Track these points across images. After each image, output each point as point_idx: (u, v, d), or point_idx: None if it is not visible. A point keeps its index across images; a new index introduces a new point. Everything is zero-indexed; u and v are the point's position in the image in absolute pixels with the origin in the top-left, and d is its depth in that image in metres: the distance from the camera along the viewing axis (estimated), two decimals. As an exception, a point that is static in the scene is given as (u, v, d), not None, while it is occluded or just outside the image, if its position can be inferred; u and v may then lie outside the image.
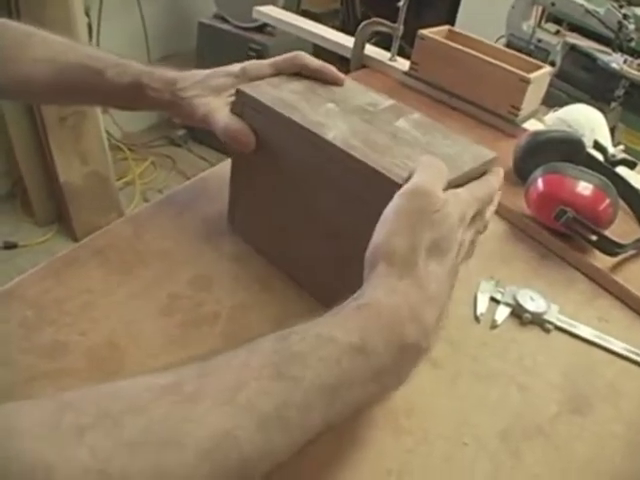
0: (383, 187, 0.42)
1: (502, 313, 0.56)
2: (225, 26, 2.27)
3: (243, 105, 0.52)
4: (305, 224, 0.52)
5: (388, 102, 0.54)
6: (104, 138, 1.86)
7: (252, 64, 0.57)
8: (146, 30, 2.21)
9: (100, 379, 0.44)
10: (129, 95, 0.57)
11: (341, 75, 0.56)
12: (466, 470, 0.43)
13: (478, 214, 0.44)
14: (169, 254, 0.56)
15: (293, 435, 0.31)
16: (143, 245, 0.56)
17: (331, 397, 0.31)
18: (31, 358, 0.44)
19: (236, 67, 0.57)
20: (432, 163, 0.42)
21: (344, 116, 0.50)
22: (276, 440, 0.30)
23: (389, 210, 0.39)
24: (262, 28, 2.22)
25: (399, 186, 0.41)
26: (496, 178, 0.47)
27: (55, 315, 0.48)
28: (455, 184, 0.44)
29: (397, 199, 0.39)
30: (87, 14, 1.83)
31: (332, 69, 0.56)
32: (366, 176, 0.44)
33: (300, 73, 0.56)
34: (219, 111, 0.53)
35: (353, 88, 0.56)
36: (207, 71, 0.57)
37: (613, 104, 1.71)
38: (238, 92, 0.52)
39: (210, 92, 0.56)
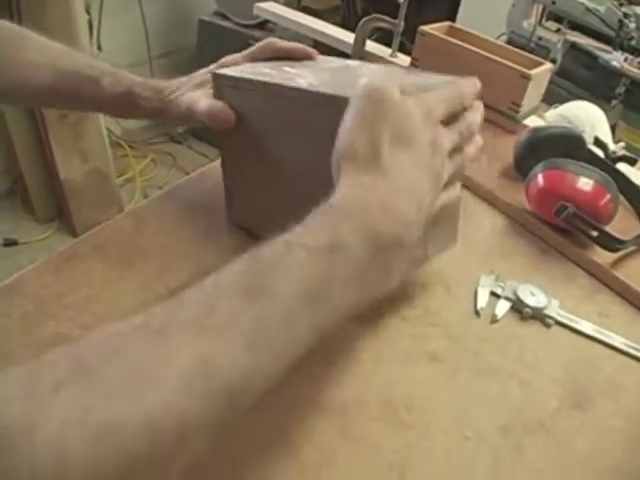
0: None
1: (502, 308, 0.56)
2: (225, 23, 2.27)
3: (220, 88, 0.53)
4: (295, 194, 0.52)
5: (365, 63, 0.56)
6: (104, 135, 1.86)
7: (228, 58, 0.58)
8: (146, 27, 2.21)
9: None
10: (122, 104, 0.58)
11: (313, 50, 0.59)
12: (467, 464, 0.43)
13: (453, 117, 0.43)
14: (170, 249, 0.56)
15: (279, 350, 0.29)
16: (143, 240, 0.56)
17: (312, 304, 0.30)
18: (32, 352, 0.44)
19: (214, 65, 0.59)
20: (384, 73, 0.43)
21: (315, 73, 0.52)
22: (262, 358, 0.29)
23: (347, 114, 0.39)
24: (263, 25, 2.22)
25: None
26: (466, 81, 0.46)
27: (56, 309, 0.48)
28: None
29: (353, 102, 0.39)
30: (88, 12, 1.83)
31: (303, 46, 0.58)
32: (336, 109, 0.43)
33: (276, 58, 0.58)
34: (201, 100, 0.55)
35: (327, 59, 0.59)
36: (191, 74, 0.60)
37: (614, 102, 1.71)
38: (213, 76, 0.53)
39: (193, 89, 0.57)
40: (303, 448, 0.41)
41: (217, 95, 0.54)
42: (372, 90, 0.39)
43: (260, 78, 0.50)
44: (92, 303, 0.49)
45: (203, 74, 0.59)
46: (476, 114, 0.45)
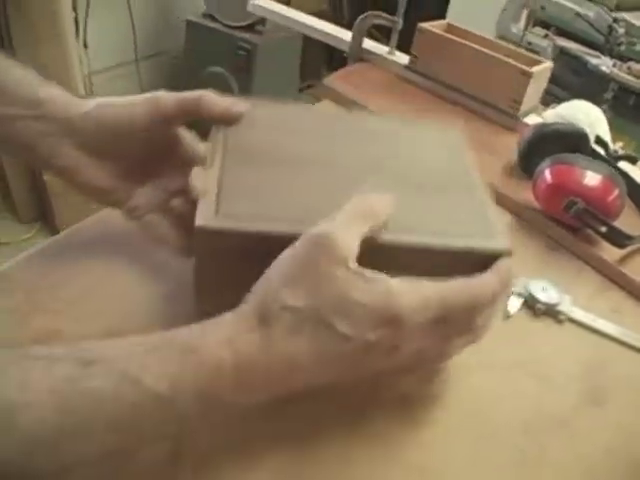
0: None
1: (514, 304, 0.55)
2: (214, 25, 2.24)
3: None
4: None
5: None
6: (88, 135, 1.83)
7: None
8: (134, 28, 2.17)
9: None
10: None
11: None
12: (488, 462, 0.41)
13: (451, 321, 0.36)
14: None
15: (62, 459, 0.28)
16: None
17: (117, 434, 0.29)
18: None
19: None
20: (357, 208, 0.35)
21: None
22: (39, 461, 0.27)
23: (284, 254, 0.34)
24: (251, 27, 2.19)
25: None
26: (496, 276, 0.38)
27: (49, 302, 0.45)
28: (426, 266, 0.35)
29: (295, 245, 0.34)
30: (74, 9, 1.79)
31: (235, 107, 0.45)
32: None
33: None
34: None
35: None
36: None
37: (603, 107, 1.72)
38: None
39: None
40: (319, 447, 0.39)
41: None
42: (319, 241, 0.32)
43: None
44: (88, 295, 0.46)
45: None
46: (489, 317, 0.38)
